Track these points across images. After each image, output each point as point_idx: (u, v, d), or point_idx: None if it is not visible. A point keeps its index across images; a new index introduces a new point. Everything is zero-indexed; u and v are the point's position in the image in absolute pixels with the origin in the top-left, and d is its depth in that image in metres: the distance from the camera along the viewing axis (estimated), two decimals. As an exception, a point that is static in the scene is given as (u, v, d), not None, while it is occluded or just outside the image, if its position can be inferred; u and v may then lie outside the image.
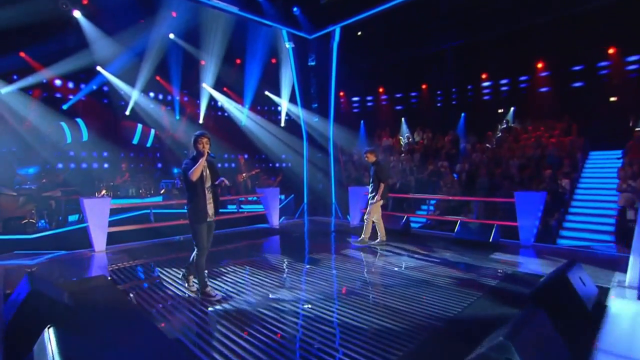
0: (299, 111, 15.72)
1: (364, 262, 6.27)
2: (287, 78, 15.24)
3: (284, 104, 16.58)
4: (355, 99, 19.26)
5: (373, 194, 7.15)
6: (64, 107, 13.12)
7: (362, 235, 7.31)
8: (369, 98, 19.03)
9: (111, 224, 7.47)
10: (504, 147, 12.92)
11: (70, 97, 13.07)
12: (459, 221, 7.55)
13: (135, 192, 12.42)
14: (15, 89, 11.64)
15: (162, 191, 13.62)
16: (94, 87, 13.37)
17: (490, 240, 6.80)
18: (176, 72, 14.24)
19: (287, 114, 17.15)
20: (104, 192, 11.66)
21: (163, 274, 5.50)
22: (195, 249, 4.52)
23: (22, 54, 11.72)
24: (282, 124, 17.40)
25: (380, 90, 18.53)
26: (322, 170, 16.72)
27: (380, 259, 6.38)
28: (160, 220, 8.61)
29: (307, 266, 5.94)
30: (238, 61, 15.59)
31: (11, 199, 8.38)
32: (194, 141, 4.37)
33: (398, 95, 18.41)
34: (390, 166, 14.14)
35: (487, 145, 13.70)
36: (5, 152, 11.15)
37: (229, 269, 5.76)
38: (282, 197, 14.92)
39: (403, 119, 17.90)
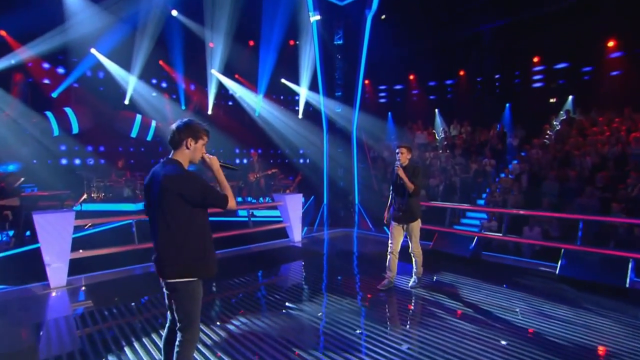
0: (320, 99, 13.36)
1: (457, 311, 4.01)
2: (307, 63, 12.85)
3: (302, 92, 14.22)
4: (382, 87, 16.77)
5: (403, 207, 4.62)
6: (54, 94, 10.99)
7: (414, 276, 4.88)
8: (398, 87, 16.52)
9: (81, 242, 5.29)
10: (569, 142, 10.38)
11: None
12: (562, 250, 5.13)
13: (131, 194, 10.27)
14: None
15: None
16: (88, 73, 11.17)
17: (627, 284, 4.36)
18: (180, 56, 11.96)
19: (306, 104, 14.82)
20: (84, 197, 9.46)
21: (141, 341, 3.29)
22: (185, 331, 2.30)
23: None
24: (300, 115, 15.07)
25: (411, 77, 16.01)
26: (344, 167, 14.40)
27: (476, 303, 4.09)
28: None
29: (372, 329, 3.62)
30: (251, 43, 13.25)
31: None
32: (194, 135, 2.31)
33: (431, 84, 15.87)
34: (428, 167, 11.72)
35: (545, 140, 11.17)
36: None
37: (237, 337, 3.52)
38: (302, 199, 12.64)
39: (437, 110, 15.37)
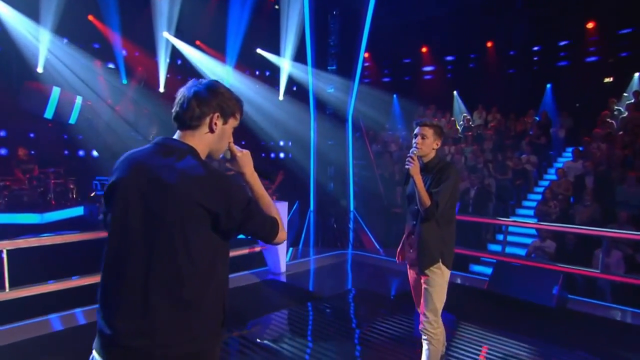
0: (308, 73, 11.40)
1: None
2: (292, 25, 10.84)
3: (284, 65, 12.21)
4: (386, 63, 14.97)
5: (414, 239, 2.94)
6: None
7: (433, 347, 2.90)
8: (406, 61, 14.74)
9: None
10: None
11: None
12: None
13: (41, 201, 8.03)
14: None
15: (91, 194, 9.20)
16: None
17: None
18: (115, 9, 9.70)
19: (289, 81, 12.87)
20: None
21: None
22: None
23: None
24: (281, 96, 13.11)
25: (424, 50, 14.22)
26: (336, 164, 12.59)
27: None
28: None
29: None
30: (217, -3, 11.13)
31: None
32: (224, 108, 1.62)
33: (449, 58, 14.07)
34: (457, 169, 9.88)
35: (609, 130, 9.51)
36: None
37: None
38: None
39: (455, 92, 13.58)
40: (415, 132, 2.90)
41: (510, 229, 7.47)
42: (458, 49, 13.61)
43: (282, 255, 6.06)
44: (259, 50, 12.88)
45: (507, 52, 13.05)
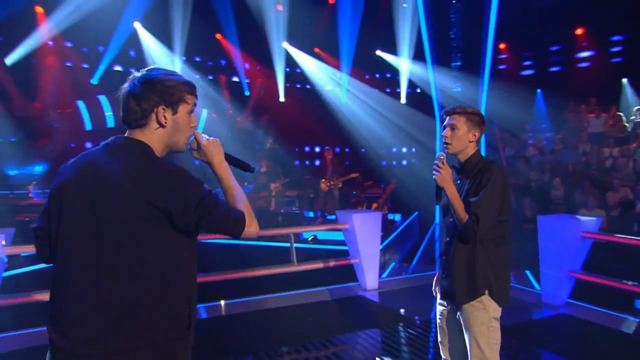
0: (429, 74, 10.91)
1: None
2: (407, 22, 10.53)
3: (404, 66, 11.93)
4: (528, 54, 13.48)
5: (447, 263, 2.39)
6: (93, 81, 10.90)
7: None
8: (554, 48, 13.02)
9: None
10: None
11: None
12: None
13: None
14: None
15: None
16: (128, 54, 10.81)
17: None
18: (235, 27, 10.78)
19: (410, 83, 12.55)
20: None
21: None
22: None
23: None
24: (403, 99, 12.85)
25: (579, 32, 12.34)
26: None
27: None
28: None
29: None
30: (331, 1, 11.51)
31: None
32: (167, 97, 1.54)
33: (616, 38, 11.97)
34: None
35: None
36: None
37: None
38: (397, 217, 10.32)
39: (625, 80, 11.39)
40: (444, 123, 2.37)
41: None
42: (627, 27, 11.40)
43: (373, 271, 5.82)
44: (378, 52, 12.87)
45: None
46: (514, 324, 4.32)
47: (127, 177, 1.42)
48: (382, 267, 6.85)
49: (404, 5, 11.20)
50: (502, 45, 12.78)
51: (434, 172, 2.30)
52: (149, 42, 10.41)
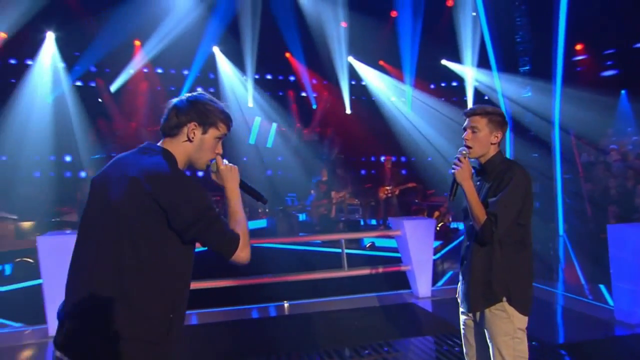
0: (495, 81, 10.48)
1: None
2: (469, 28, 10.20)
3: (469, 74, 11.55)
4: (609, 52, 12.27)
5: (466, 267, 2.26)
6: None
7: None
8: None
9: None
10: None
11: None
12: None
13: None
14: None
15: (280, 207, 10.65)
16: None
17: None
18: (298, 43, 11.20)
19: (477, 91, 12.12)
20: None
21: None
22: None
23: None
24: (470, 107, 12.39)
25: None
26: (540, 179, 10.99)
27: None
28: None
29: None
30: (394, 14, 11.52)
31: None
32: (202, 118, 1.67)
33: None
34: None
35: None
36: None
37: None
38: (461, 225, 9.94)
39: None
40: (464, 125, 2.26)
41: None
42: None
43: (426, 278, 5.70)
44: (443, 62, 12.60)
45: None
46: (582, 341, 4.01)
47: (143, 172, 1.50)
48: (440, 275, 6.70)
49: (473, 14, 10.88)
50: (578, 47, 11.85)
51: (453, 166, 2.19)
52: (224, 64, 11.19)
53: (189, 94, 1.67)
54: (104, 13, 9.48)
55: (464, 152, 2.21)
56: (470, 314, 2.28)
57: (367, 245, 7.61)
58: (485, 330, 2.19)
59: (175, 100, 1.66)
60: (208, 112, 1.63)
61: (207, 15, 9.75)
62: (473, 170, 2.25)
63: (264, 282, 5.07)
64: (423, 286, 5.58)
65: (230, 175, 1.70)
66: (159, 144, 1.65)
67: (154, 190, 1.46)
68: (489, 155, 2.23)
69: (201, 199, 1.52)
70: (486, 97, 12.01)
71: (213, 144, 1.66)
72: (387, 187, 9.11)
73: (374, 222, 10.10)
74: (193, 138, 1.62)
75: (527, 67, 10.18)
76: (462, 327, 2.36)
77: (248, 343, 4.24)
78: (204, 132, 1.63)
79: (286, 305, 5.18)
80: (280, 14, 10.27)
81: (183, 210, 1.47)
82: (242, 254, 1.55)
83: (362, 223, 9.63)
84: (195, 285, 4.62)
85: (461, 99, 12.75)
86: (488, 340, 2.18)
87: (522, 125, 11.09)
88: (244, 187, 1.73)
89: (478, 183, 2.28)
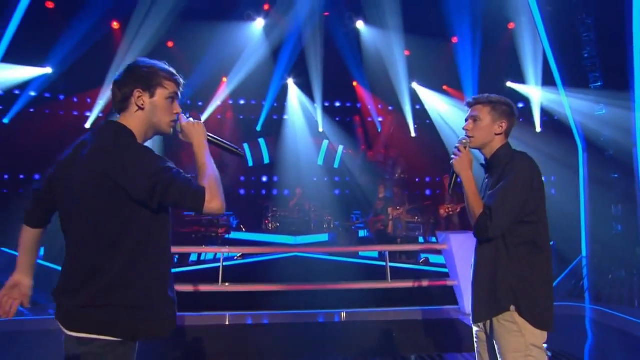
0: (562, 98, 9.80)
1: None
2: (530, 46, 9.71)
3: (534, 94, 10.93)
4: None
5: (473, 270, 2.05)
6: (258, 128, 12.79)
7: None
8: None
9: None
10: None
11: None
12: None
13: (303, 228, 10.22)
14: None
15: (349, 223, 10.78)
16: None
17: None
18: (362, 71, 11.49)
19: (544, 111, 11.44)
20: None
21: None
22: None
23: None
24: (538, 128, 11.71)
25: None
26: (623, 201, 9.97)
27: None
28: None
29: None
30: (455, 40, 11.36)
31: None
32: (145, 82, 1.59)
33: None
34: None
35: None
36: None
37: None
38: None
39: None
40: (466, 116, 2.08)
41: None
42: None
43: (470, 296, 5.44)
44: (509, 84, 12.07)
45: None
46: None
47: (93, 152, 1.47)
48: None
49: (536, 34, 10.41)
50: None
51: (452, 156, 2.01)
52: (295, 93, 11.85)
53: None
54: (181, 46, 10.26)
55: (464, 141, 2.04)
56: (482, 326, 2.04)
57: (421, 261, 7.44)
58: (495, 344, 1.92)
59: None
60: (149, 74, 1.55)
61: (278, 48, 10.46)
62: (482, 167, 2.12)
63: (308, 289, 5.19)
64: (470, 302, 5.34)
65: (194, 131, 1.63)
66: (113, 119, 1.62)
67: (109, 170, 1.44)
68: (493, 148, 2.03)
69: (150, 164, 1.45)
70: (556, 117, 11.26)
71: (166, 104, 1.58)
72: (448, 206, 8.87)
73: (434, 240, 9.85)
74: (143, 105, 1.55)
75: (599, 84, 9.35)
76: (474, 340, 2.11)
77: (305, 344, 4.37)
78: (152, 96, 1.56)
79: (343, 313, 5.25)
80: (344, 46, 10.72)
81: (137, 182, 1.43)
82: (212, 205, 1.47)
83: (421, 240, 9.42)
84: (254, 288, 5.00)
85: (528, 120, 12.07)
86: (498, 356, 1.90)
87: (598, 145, 10.17)
88: (213, 142, 1.67)
89: (486, 180, 2.08)
